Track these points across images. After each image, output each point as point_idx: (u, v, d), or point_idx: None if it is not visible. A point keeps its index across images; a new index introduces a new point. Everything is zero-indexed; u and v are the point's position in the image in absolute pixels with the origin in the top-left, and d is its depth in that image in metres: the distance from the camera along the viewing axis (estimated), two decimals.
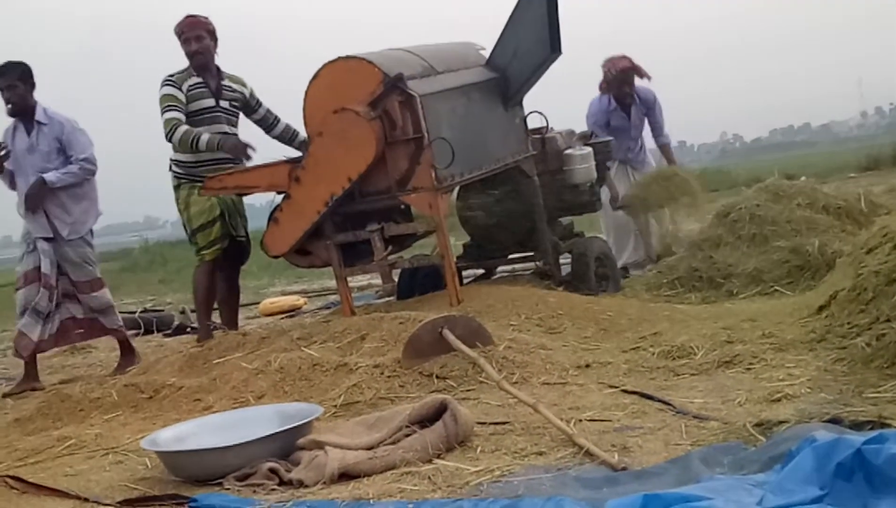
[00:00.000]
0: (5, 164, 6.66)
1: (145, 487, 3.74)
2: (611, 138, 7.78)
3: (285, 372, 4.89)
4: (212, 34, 6.86)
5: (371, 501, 3.18)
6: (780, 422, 3.38)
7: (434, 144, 5.76)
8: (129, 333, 9.24)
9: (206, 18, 6.90)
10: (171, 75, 6.78)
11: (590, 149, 7.16)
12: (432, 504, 3.06)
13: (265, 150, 7.04)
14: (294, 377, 4.84)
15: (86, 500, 3.66)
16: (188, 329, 8.80)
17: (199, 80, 6.77)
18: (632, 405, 3.96)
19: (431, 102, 5.86)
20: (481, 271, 7.46)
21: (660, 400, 3.98)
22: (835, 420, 3.28)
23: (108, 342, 8.95)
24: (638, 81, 8.46)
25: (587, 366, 4.70)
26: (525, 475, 3.24)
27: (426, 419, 3.70)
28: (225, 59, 6.95)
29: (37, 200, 6.58)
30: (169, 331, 9.02)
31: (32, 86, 6.67)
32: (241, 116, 7.02)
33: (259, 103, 7.07)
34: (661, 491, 2.65)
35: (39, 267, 6.59)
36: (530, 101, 6.89)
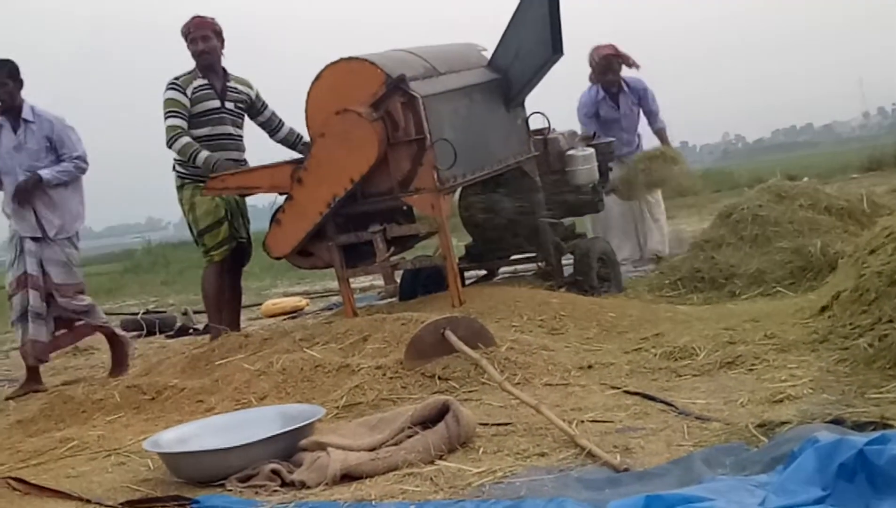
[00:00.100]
0: None
1: (147, 488, 3.75)
2: (612, 139, 7.78)
3: (287, 373, 4.89)
4: (218, 35, 6.87)
5: (373, 502, 3.18)
6: (783, 423, 3.37)
7: (436, 145, 5.76)
8: (132, 334, 9.28)
9: (213, 19, 6.89)
10: (177, 78, 6.77)
11: (592, 150, 7.16)
12: (434, 506, 3.07)
13: (268, 153, 7.06)
14: (296, 378, 4.84)
15: (88, 501, 3.66)
16: (190, 331, 8.81)
17: (205, 81, 6.77)
18: (634, 406, 3.96)
19: (434, 103, 5.86)
20: (483, 272, 7.45)
21: (662, 401, 3.97)
22: (837, 421, 3.28)
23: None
24: (627, 72, 8.46)
25: (589, 367, 4.70)
26: (527, 476, 3.24)
27: (428, 421, 3.70)
28: (225, 59, 6.96)
29: (27, 195, 6.49)
30: (171, 332, 9.02)
31: (20, 83, 6.57)
32: (246, 117, 7.03)
33: (264, 106, 7.07)
34: (663, 492, 2.65)
35: (31, 272, 6.52)
36: (532, 102, 6.91)
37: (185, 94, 6.71)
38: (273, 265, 10.87)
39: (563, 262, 7.04)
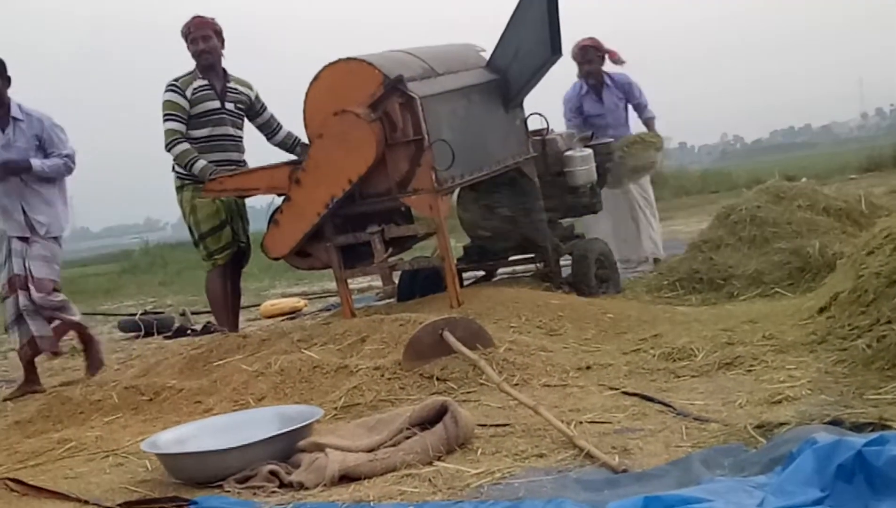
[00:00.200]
0: None
1: (146, 489, 3.74)
2: (611, 140, 7.77)
3: (286, 374, 4.89)
4: (219, 35, 6.87)
5: (371, 503, 3.18)
6: (781, 424, 3.37)
7: (434, 145, 5.76)
8: (129, 335, 9.29)
9: (213, 19, 6.89)
10: (176, 79, 6.77)
11: (590, 151, 7.16)
12: (433, 507, 3.06)
13: (267, 154, 7.06)
14: (294, 379, 4.84)
15: (86, 503, 3.66)
16: (188, 331, 8.81)
17: (205, 82, 6.77)
18: (632, 407, 3.96)
19: (432, 104, 5.86)
20: (482, 273, 7.45)
21: (660, 402, 3.97)
22: (835, 422, 3.28)
23: (107, 344, 8.97)
24: (614, 67, 8.45)
25: (588, 368, 4.70)
26: (526, 477, 3.24)
27: (427, 422, 3.70)
28: (225, 59, 6.95)
29: (11, 172, 6.36)
30: (169, 333, 9.01)
31: (8, 81, 6.45)
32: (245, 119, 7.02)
33: (263, 108, 7.07)
34: (661, 493, 2.65)
35: (17, 272, 6.45)
36: (531, 102, 6.91)
37: (184, 96, 6.71)
38: (271, 266, 10.89)
39: (562, 263, 7.04)
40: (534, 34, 6.34)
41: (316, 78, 5.92)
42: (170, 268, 17.83)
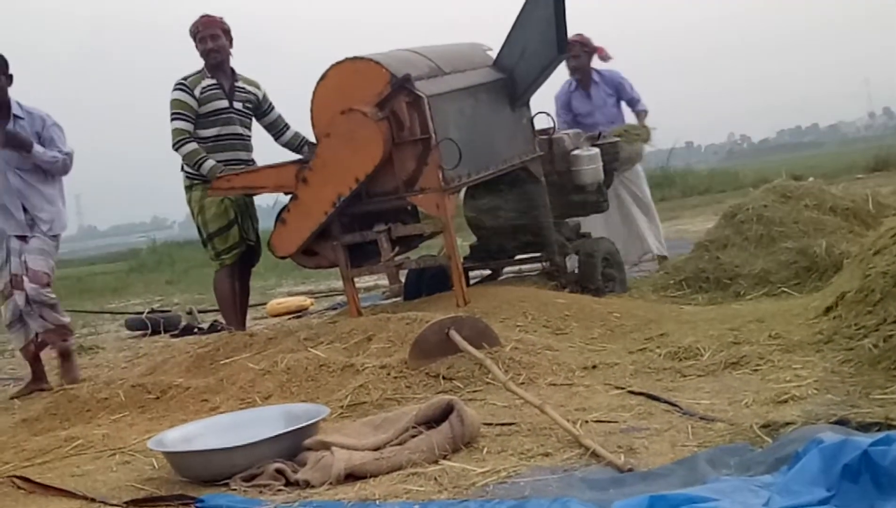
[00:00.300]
0: None
1: (152, 487, 3.75)
2: (617, 139, 7.76)
3: (292, 373, 4.89)
4: (227, 33, 6.88)
5: (377, 502, 3.18)
6: (787, 423, 3.37)
7: (441, 144, 5.76)
8: (136, 334, 9.30)
9: (221, 18, 6.90)
10: (185, 78, 6.78)
11: (597, 150, 7.16)
12: (438, 505, 3.07)
13: (276, 153, 7.07)
14: (301, 377, 4.85)
15: (93, 500, 3.67)
16: (195, 330, 8.82)
17: (213, 81, 6.78)
18: (638, 407, 3.96)
19: (439, 103, 5.87)
20: (488, 271, 7.45)
21: (666, 401, 3.97)
22: (842, 422, 3.28)
23: (114, 342, 9.00)
24: (602, 64, 8.43)
25: (594, 367, 4.70)
26: (531, 476, 3.24)
27: (432, 420, 3.70)
28: (232, 58, 6.96)
29: (13, 143, 6.26)
30: (176, 332, 9.03)
31: (10, 78, 6.39)
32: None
33: (271, 107, 7.07)
34: (667, 493, 2.65)
35: (15, 272, 6.39)
36: (537, 101, 6.92)
37: (192, 95, 6.72)
38: (278, 265, 10.89)
39: (568, 262, 7.04)
40: (540, 34, 6.34)
41: (323, 77, 5.92)
42: (177, 266, 17.87)
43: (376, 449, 3.62)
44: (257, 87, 7.02)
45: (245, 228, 6.86)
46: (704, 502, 2.54)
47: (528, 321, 5.47)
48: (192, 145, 6.64)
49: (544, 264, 6.91)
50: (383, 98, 5.77)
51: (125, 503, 3.58)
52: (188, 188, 6.86)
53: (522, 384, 4.36)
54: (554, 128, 7.15)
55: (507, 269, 7.57)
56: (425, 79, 5.98)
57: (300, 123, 6.98)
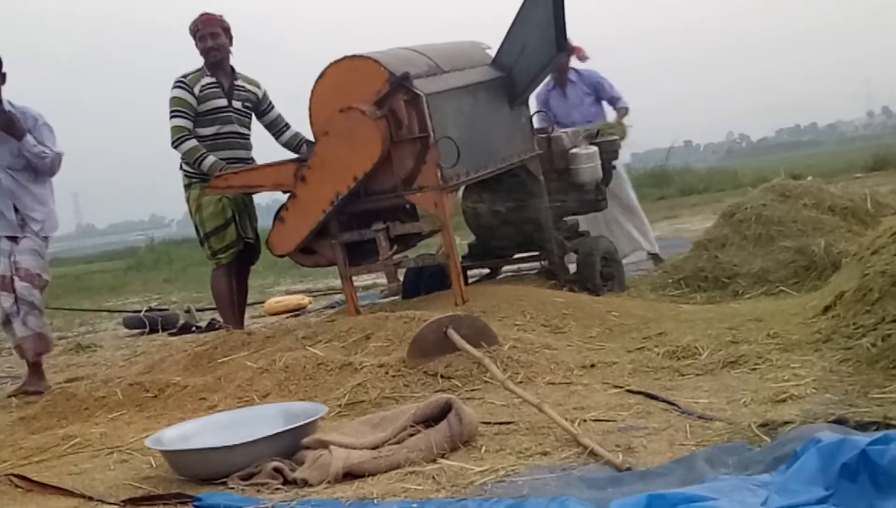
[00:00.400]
0: None
1: (150, 486, 3.75)
2: (616, 137, 7.76)
3: (290, 371, 4.89)
4: (227, 32, 6.86)
5: (375, 500, 3.18)
6: (785, 423, 3.37)
7: (440, 143, 5.76)
8: (134, 332, 9.29)
9: (221, 16, 6.88)
10: (185, 76, 6.77)
11: (595, 148, 7.16)
12: (436, 504, 3.06)
13: (275, 152, 7.06)
14: (299, 376, 4.84)
15: (90, 499, 3.66)
16: (193, 328, 8.82)
17: (213, 79, 6.77)
18: (636, 406, 3.96)
19: (437, 101, 5.86)
20: (486, 270, 7.46)
21: (665, 400, 3.97)
22: (840, 421, 3.28)
23: (112, 340, 9.00)
24: (579, 64, 8.42)
25: (592, 366, 4.70)
26: (529, 475, 3.24)
27: (431, 419, 3.70)
28: (232, 56, 6.96)
29: (5, 124, 6.16)
30: (174, 330, 9.02)
31: (3, 77, 6.23)
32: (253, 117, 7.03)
33: (271, 107, 7.06)
34: (665, 492, 2.65)
35: (3, 273, 6.29)
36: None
37: (192, 92, 6.71)
38: (276, 263, 10.89)
39: (567, 261, 7.04)
40: (539, 32, 6.34)
41: (321, 75, 5.91)
42: (175, 265, 17.86)
43: (374, 448, 3.62)
44: (257, 86, 7.01)
45: (243, 226, 6.84)
46: (702, 501, 2.54)
47: (526, 320, 5.47)
48: (192, 142, 6.64)
49: (543, 262, 6.92)
50: (382, 96, 5.77)
51: (123, 501, 3.58)
52: (186, 187, 6.85)
53: (521, 382, 4.35)
54: (552, 126, 7.15)
55: (505, 268, 7.57)
56: (424, 77, 5.98)
57: (299, 123, 6.98)
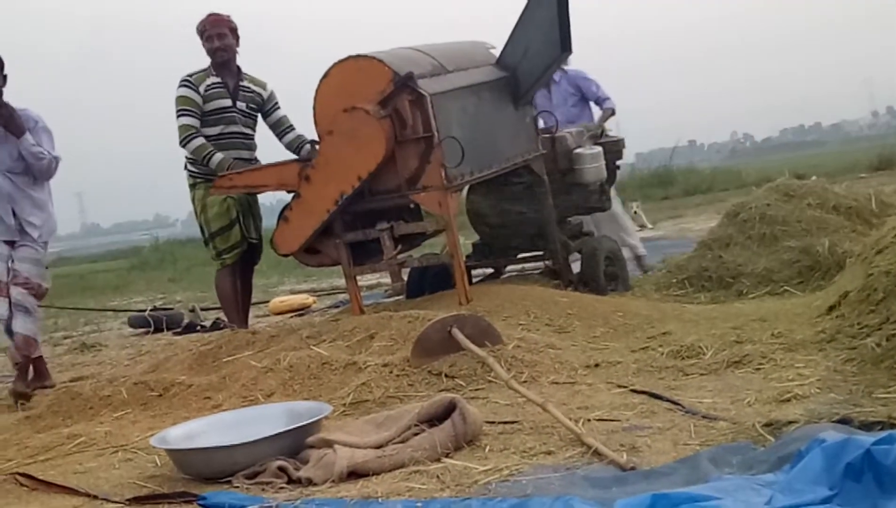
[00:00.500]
0: None
1: (154, 485, 3.75)
2: (621, 137, 7.76)
3: (294, 371, 4.89)
4: (234, 32, 6.88)
5: (380, 499, 3.18)
6: (790, 422, 3.37)
7: (444, 142, 5.76)
8: (139, 331, 9.31)
9: (229, 16, 6.90)
10: (190, 75, 6.79)
11: (600, 148, 7.16)
12: (441, 503, 3.06)
13: (280, 152, 7.07)
14: (303, 375, 4.85)
15: (95, 497, 3.67)
16: (198, 328, 8.83)
17: (218, 79, 6.79)
18: (641, 405, 3.96)
19: (442, 101, 5.86)
20: (490, 270, 7.46)
21: (669, 400, 3.97)
22: (844, 421, 3.27)
23: (118, 339, 9.01)
24: (564, 64, 8.40)
25: (596, 366, 4.70)
26: (534, 474, 3.24)
27: (435, 418, 3.70)
28: (239, 56, 6.96)
29: (5, 118, 6.13)
30: (179, 329, 9.04)
31: (5, 78, 6.20)
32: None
33: (275, 107, 7.06)
34: (669, 491, 2.65)
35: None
36: None
37: (197, 91, 6.73)
38: (280, 263, 10.91)
39: (571, 260, 7.04)
40: (543, 33, 6.33)
41: (326, 75, 5.92)
42: (179, 264, 17.89)
43: (379, 447, 3.62)
44: (263, 87, 7.02)
45: (247, 226, 6.85)
46: (707, 500, 2.54)
47: (530, 320, 5.47)
48: (200, 140, 6.65)
49: (547, 262, 6.92)
50: (386, 96, 5.77)
51: (127, 500, 3.58)
52: (192, 187, 6.86)
53: (525, 382, 4.36)
54: (556, 126, 7.15)
55: (509, 267, 7.57)
56: (428, 77, 5.98)
57: (300, 123, 7.00)
